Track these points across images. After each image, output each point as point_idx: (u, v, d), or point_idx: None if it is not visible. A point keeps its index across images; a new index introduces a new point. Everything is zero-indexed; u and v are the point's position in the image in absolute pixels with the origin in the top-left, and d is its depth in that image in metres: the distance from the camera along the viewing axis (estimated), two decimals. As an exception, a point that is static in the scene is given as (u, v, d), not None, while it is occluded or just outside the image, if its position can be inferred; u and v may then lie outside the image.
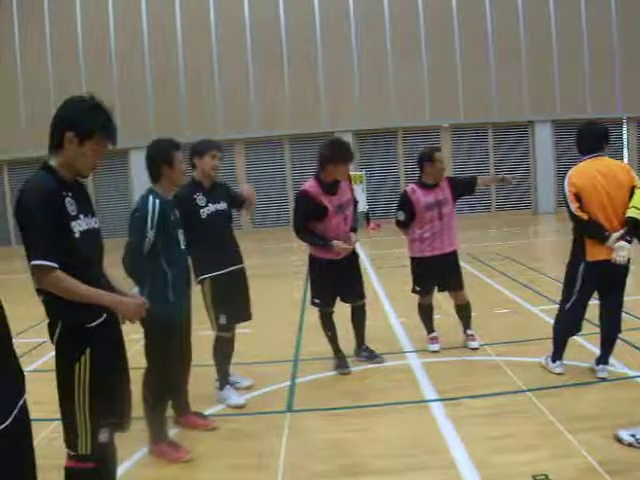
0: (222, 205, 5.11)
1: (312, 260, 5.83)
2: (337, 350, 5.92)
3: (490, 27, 19.61)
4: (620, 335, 5.17)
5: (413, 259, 6.28)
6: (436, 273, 6.16)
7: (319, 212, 5.55)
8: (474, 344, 6.18)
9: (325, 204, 5.55)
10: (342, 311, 6.00)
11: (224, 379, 5.27)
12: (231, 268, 5.11)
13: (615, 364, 5.27)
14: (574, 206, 4.91)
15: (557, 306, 7.25)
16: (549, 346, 5.48)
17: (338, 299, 5.90)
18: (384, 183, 20.18)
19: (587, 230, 4.90)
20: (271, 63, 19.50)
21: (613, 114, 19.57)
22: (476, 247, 12.95)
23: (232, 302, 5.12)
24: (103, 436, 2.99)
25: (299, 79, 19.49)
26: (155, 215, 4.07)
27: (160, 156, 4.25)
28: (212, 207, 5.00)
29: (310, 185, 5.65)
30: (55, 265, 2.75)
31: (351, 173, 6.05)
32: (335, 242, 5.52)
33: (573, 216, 4.95)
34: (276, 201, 20.33)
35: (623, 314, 5.15)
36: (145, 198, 4.17)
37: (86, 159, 2.89)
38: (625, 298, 5.12)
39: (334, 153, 5.54)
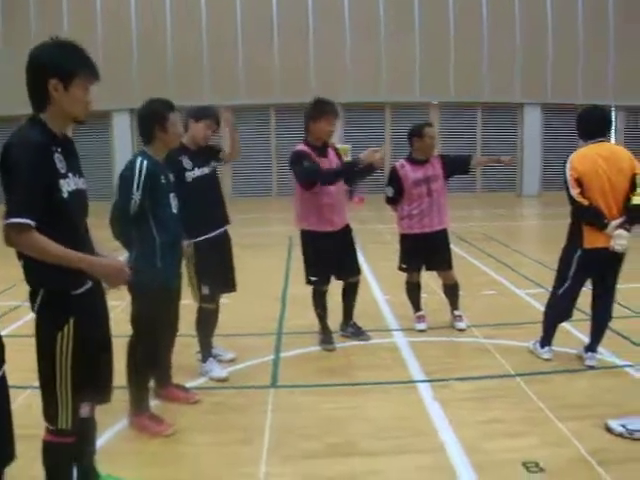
0: (207, 169, 5.01)
1: (305, 235, 5.65)
2: (324, 327, 5.82)
3: (485, 7, 19.38)
4: (609, 324, 5.13)
5: (402, 236, 6.17)
6: (424, 251, 6.07)
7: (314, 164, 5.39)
8: (461, 325, 6.11)
9: (319, 163, 5.40)
10: (331, 286, 5.88)
11: (207, 352, 5.15)
12: (216, 232, 4.98)
13: (603, 353, 5.23)
14: (575, 191, 4.81)
15: (542, 290, 7.31)
16: (536, 330, 5.43)
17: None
18: (370, 157, 19.97)
19: (587, 216, 4.81)
20: (261, 30, 19.12)
21: (603, 101, 19.50)
22: (461, 227, 12.88)
23: (216, 271, 4.98)
24: (84, 410, 2.86)
25: (289, 48, 19.16)
26: (142, 176, 3.91)
27: (153, 117, 4.06)
28: (198, 171, 4.90)
29: (302, 146, 5.52)
30: (31, 223, 2.52)
31: (337, 145, 5.90)
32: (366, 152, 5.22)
33: (573, 201, 4.85)
34: (259, 170, 20.10)
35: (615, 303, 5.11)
36: (134, 159, 4.02)
37: (78, 102, 2.70)
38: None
39: (315, 109, 5.46)
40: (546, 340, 5.23)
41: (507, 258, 9.75)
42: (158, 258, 4.04)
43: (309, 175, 5.38)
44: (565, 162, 4.92)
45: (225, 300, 6.96)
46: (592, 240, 4.82)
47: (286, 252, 10.52)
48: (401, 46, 19.23)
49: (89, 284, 2.81)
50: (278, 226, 14.39)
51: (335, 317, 5.96)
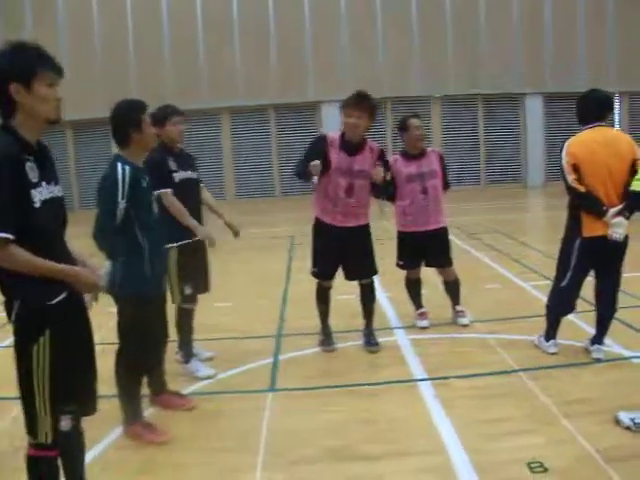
0: (191, 174, 4.97)
1: (316, 224, 5.46)
2: (325, 327, 5.68)
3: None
4: (615, 314, 4.98)
5: (398, 233, 6.04)
6: (421, 249, 5.92)
7: (317, 157, 5.08)
8: (464, 320, 5.97)
9: (330, 158, 5.17)
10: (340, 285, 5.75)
11: (189, 352, 5.09)
12: (196, 238, 4.93)
13: (610, 344, 5.09)
14: (571, 177, 4.65)
15: (548, 282, 7.12)
16: (541, 324, 5.29)
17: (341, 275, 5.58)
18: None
19: (584, 203, 4.66)
20: (257, 30, 18.96)
21: (605, 87, 19.27)
22: (465, 220, 12.74)
23: (197, 272, 4.99)
24: (65, 424, 2.75)
25: (286, 47, 18.99)
26: (125, 184, 3.76)
27: (127, 119, 3.89)
28: (183, 173, 4.87)
29: (333, 133, 5.33)
30: (10, 237, 2.47)
31: None
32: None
33: (570, 188, 4.70)
34: (261, 171, 19.97)
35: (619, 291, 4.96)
36: (113, 166, 3.84)
37: (45, 101, 2.58)
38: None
39: (344, 101, 5.22)
40: (550, 334, 5.09)
41: (512, 251, 9.60)
42: (147, 266, 3.93)
43: (296, 165, 5.28)
44: (561, 148, 4.77)
45: (226, 303, 6.90)
46: (591, 228, 4.68)
47: (287, 252, 10.42)
48: (399, 42, 19.03)
49: (65, 293, 2.71)
50: (279, 226, 14.31)
51: (338, 318, 5.82)
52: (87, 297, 2.85)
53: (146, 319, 3.94)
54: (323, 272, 5.50)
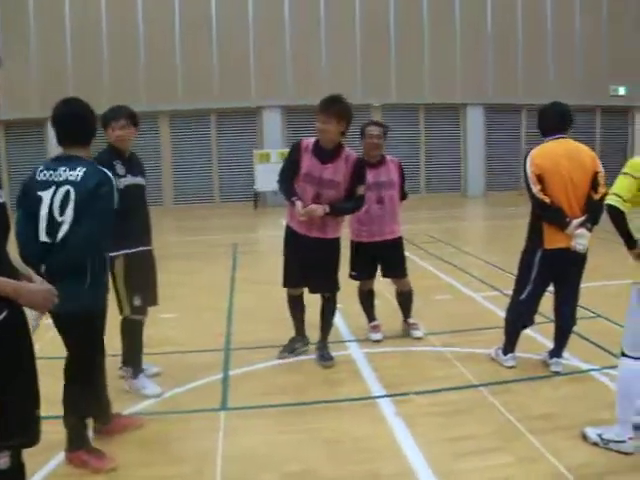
0: (139, 180, 4.71)
1: (286, 230, 5.32)
2: (297, 333, 5.50)
3: (425, 6, 19.36)
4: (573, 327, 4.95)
5: (351, 242, 5.84)
6: (375, 259, 5.78)
7: (293, 166, 5.04)
8: (418, 333, 5.84)
9: (301, 164, 5.02)
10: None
11: (138, 367, 4.79)
12: (146, 247, 4.74)
13: (568, 357, 5.04)
14: (536, 188, 4.60)
15: (497, 293, 7.15)
16: (496, 336, 5.24)
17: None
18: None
19: (548, 214, 4.62)
20: (199, 33, 18.59)
21: (544, 101, 19.77)
22: (408, 229, 12.66)
23: (145, 283, 4.73)
24: (3, 461, 2.45)
25: (228, 51, 18.69)
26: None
27: (94, 117, 3.64)
28: (130, 179, 4.60)
29: (308, 140, 5.13)
30: None
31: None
32: (298, 202, 4.92)
33: (534, 198, 4.65)
34: (200, 177, 19.54)
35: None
36: (101, 169, 3.54)
37: None
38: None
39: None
40: (509, 347, 5.01)
41: (457, 260, 9.59)
42: (104, 275, 3.69)
43: (280, 175, 5.21)
44: (525, 158, 4.72)
45: (170, 315, 6.57)
46: (552, 240, 4.64)
47: (230, 261, 10.13)
48: (341, 49, 19.02)
49: (5, 312, 2.41)
50: (219, 234, 13.98)
51: (291, 330, 5.60)
52: (32, 316, 2.56)
53: (101, 334, 3.73)
54: (290, 282, 5.33)
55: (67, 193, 3.41)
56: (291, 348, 5.48)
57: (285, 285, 5.39)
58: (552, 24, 19.78)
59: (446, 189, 20.26)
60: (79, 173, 3.44)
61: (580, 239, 4.51)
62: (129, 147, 4.68)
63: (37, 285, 2.59)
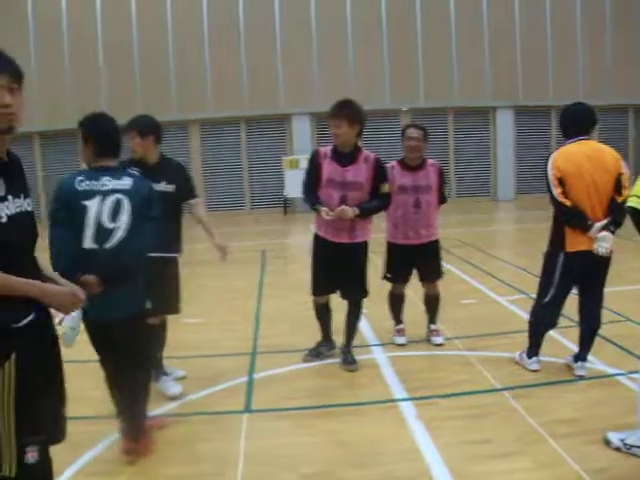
0: (163, 186, 4.67)
1: (314, 239, 5.35)
2: (324, 337, 5.55)
3: (453, 9, 19.29)
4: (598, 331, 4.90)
5: (388, 244, 5.82)
6: (410, 262, 5.74)
7: (315, 175, 5.11)
8: (438, 340, 5.81)
9: (321, 170, 5.09)
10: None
11: (158, 369, 4.85)
12: (166, 254, 4.70)
13: (593, 361, 5.00)
14: (557, 191, 4.57)
15: (524, 296, 7.10)
16: (521, 340, 5.21)
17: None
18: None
19: (569, 217, 4.58)
20: (227, 42, 18.80)
21: (575, 101, 19.52)
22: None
23: (161, 290, 4.63)
24: (31, 456, 2.52)
25: (256, 59, 18.85)
26: None
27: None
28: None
29: (325, 148, 5.22)
30: None
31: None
32: (323, 208, 4.99)
33: (555, 202, 4.61)
34: (230, 184, 19.73)
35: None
36: (144, 178, 3.87)
37: None
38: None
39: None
40: (533, 350, 4.98)
41: (485, 264, 9.53)
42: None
43: (303, 187, 5.28)
44: (547, 161, 4.69)
45: (197, 319, 6.68)
46: (575, 243, 4.60)
47: (259, 267, 10.22)
48: (369, 55, 19.02)
49: (32, 315, 2.50)
50: (251, 240, 14.09)
51: (317, 334, 5.64)
52: (70, 322, 2.66)
53: None
54: (318, 290, 5.37)
55: (118, 201, 3.57)
56: (317, 352, 5.53)
57: (314, 293, 5.41)
58: (582, 24, 19.52)
59: (476, 193, 20.10)
60: (128, 182, 3.63)
61: (602, 242, 4.47)
62: (150, 156, 4.69)
63: (63, 287, 2.66)
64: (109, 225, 3.55)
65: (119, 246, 3.55)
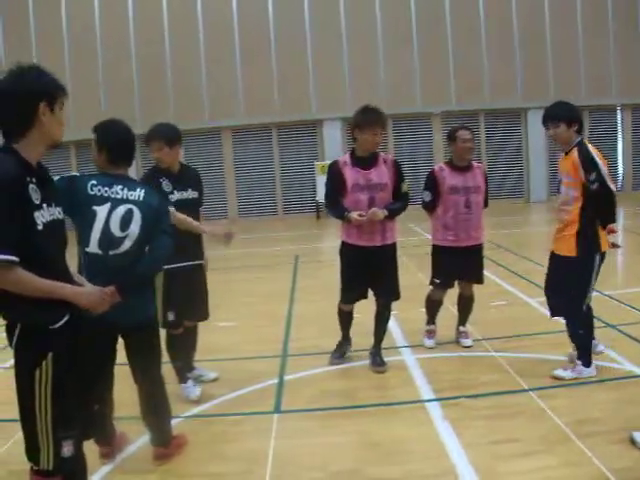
0: (189, 193, 4.79)
1: (341, 248, 5.44)
2: (344, 337, 5.65)
3: (483, 12, 19.24)
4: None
5: (436, 247, 5.83)
6: (458, 265, 5.69)
7: (339, 185, 5.21)
8: (467, 342, 5.84)
9: (345, 177, 5.19)
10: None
11: (182, 375, 4.94)
12: (191, 262, 4.77)
13: (621, 361, 4.99)
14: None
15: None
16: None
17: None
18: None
19: (614, 209, 4.69)
20: (258, 49, 19.02)
21: (608, 101, 19.33)
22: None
23: (185, 300, 4.76)
24: (67, 449, 2.67)
25: (287, 65, 19.04)
26: None
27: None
28: (177, 194, 4.69)
29: (343, 156, 5.36)
30: (16, 259, 2.45)
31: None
32: (352, 213, 5.09)
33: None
34: (263, 189, 19.92)
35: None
36: (154, 190, 3.93)
37: (59, 125, 2.66)
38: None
39: (358, 118, 5.18)
40: (590, 357, 4.84)
41: (517, 266, 9.51)
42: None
43: (326, 199, 5.41)
44: (592, 157, 4.65)
45: (231, 323, 6.82)
46: (605, 242, 4.76)
47: (290, 272, 10.34)
48: (400, 59, 19.04)
49: (67, 316, 2.66)
50: (281, 245, 14.23)
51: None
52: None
53: None
54: (347, 298, 5.46)
55: (129, 211, 3.57)
56: (341, 352, 5.62)
57: (343, 301, 5.49)
58: (613, 24, 19.28)
59: (509, 195, 19.95)
60: (140, 193, 3.62)
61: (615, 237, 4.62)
62: (174, 164, 4.74)
63: (91, 288, 2.89)
64: (118, 234, 3.54)
65: (125, 255, 3.54)
